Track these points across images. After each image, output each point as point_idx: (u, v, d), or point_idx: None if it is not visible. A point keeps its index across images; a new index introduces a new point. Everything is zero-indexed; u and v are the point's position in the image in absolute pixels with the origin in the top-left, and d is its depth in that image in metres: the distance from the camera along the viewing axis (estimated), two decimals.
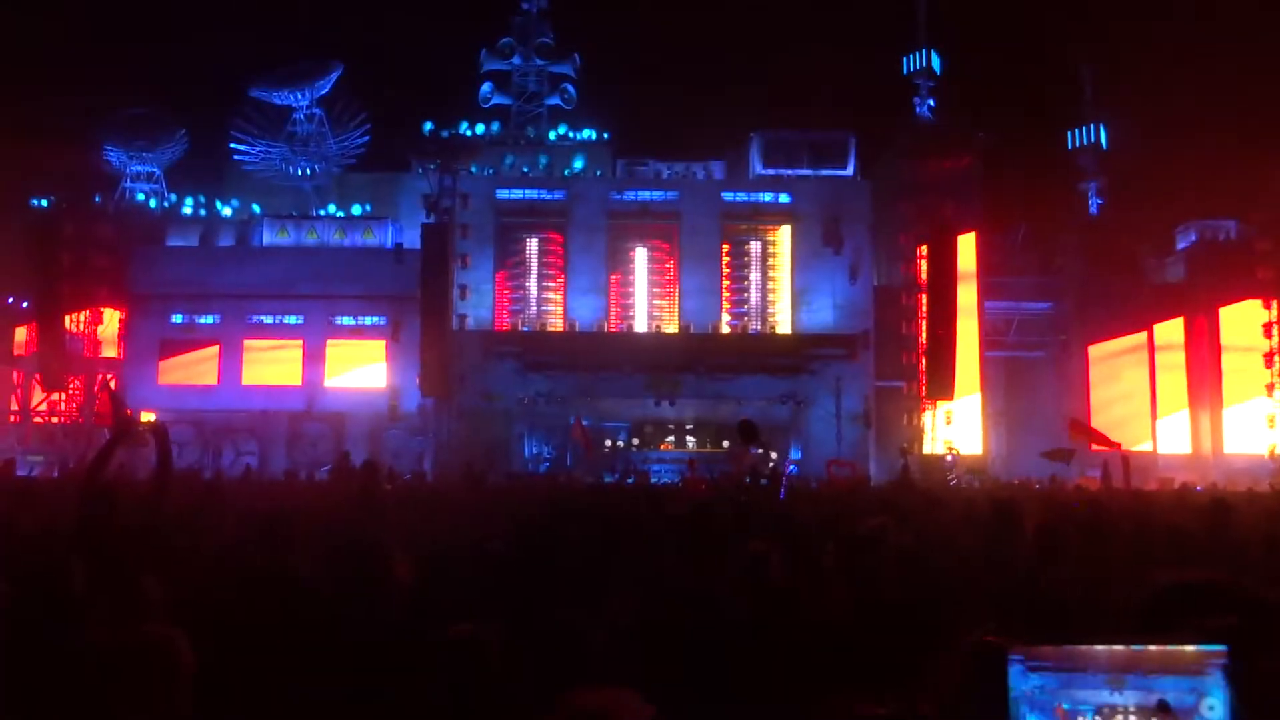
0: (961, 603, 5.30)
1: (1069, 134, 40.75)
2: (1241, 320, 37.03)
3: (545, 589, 5.14)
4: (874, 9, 32.79)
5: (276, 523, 6.12)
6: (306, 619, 4.38)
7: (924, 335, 38.82)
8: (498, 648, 3.40)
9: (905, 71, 39.85)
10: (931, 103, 39.91)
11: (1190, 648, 1.99)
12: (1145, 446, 36.21)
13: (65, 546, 4.96)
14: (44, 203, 39.01)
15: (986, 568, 5.84)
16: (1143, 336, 38.62)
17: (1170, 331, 38.24)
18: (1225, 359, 37.22)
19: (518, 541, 6.46)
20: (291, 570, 5.12)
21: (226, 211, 41.28)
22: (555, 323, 40.72)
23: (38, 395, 39.22)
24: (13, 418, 38.54)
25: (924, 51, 39.51)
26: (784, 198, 40.33)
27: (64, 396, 38.81)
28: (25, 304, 39.45)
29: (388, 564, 4.58)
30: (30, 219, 38.25)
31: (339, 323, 39.83)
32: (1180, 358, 38.03)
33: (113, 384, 37.66)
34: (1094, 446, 22.89)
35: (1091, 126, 40.66)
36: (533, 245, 40.95)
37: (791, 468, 30.83)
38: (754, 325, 41.14)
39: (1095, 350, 40.25)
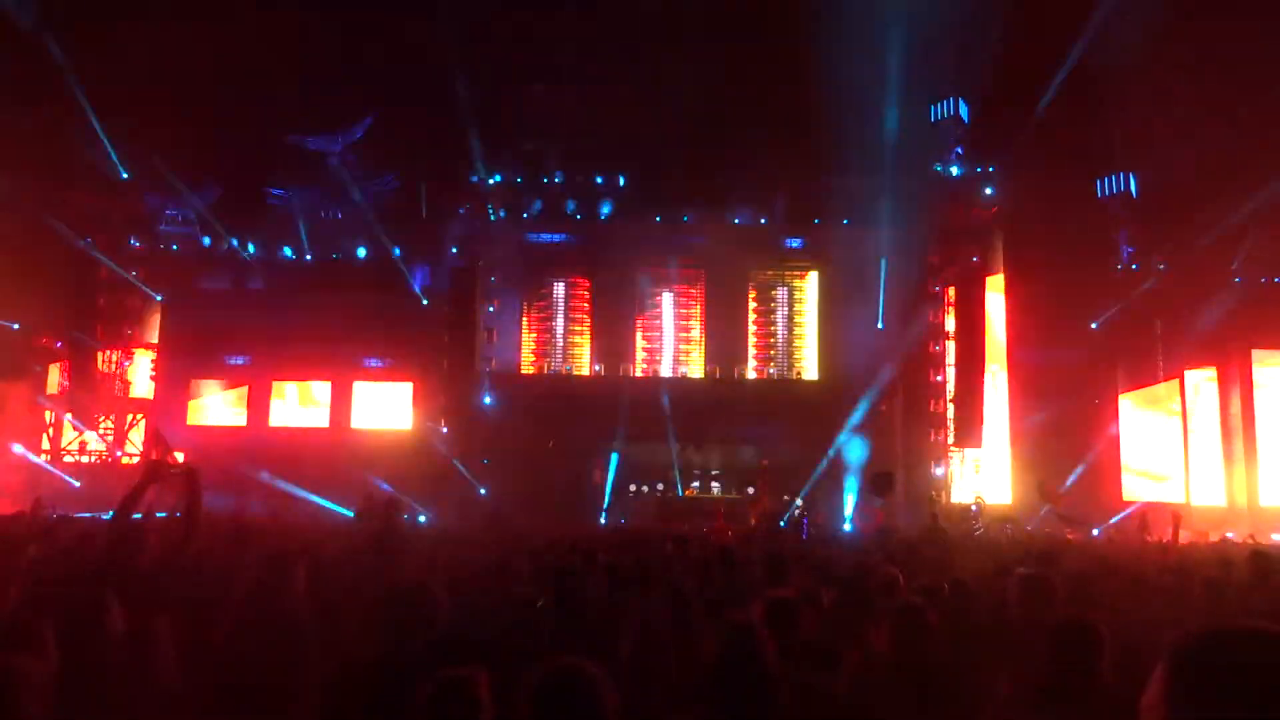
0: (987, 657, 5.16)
1: (1098, 182, 40.49)
2: (1277, 369, 36.39)
3: (566, 636, 5.06)
4: (901, 57, 32.95)
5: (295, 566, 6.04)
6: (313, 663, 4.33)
7: (951, 383, 38.51)
8: (488, 693, 3.33)
9: (933, 119, 39.92)
10: (959, 150, 39.92)
11: None
12: (1178, 498, 35.54)
13: (95, 587, 4.95)
14: (79, 243, 39.62)
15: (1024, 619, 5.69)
16: (1175, 385, 38.03)
17: (1203, 380, 37.61)
18: (1260, 408, 36.43)
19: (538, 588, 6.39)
20: (302, 614, 5.07)
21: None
22: (582, 367, 40.82)
23: (68, 434, 39.64)
24: (43, 456, 38.89)
25: (952, 100, 39.61)
26: (810, 244, 40.39)
27: (95, 436, 39.22)
28: (59, 344, 39.99)
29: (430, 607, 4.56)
30: (65, 259, 38.82)
31: (366, 365, 40.07)
32: (1214, 406, 37.32)
33: (143, 425, 38.04)
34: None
35: (1121, 175, 40.44)
36: (559, 289, 41.21)
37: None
38: (780, 372, 41.05)
39: (1126, 399, 39.75)
